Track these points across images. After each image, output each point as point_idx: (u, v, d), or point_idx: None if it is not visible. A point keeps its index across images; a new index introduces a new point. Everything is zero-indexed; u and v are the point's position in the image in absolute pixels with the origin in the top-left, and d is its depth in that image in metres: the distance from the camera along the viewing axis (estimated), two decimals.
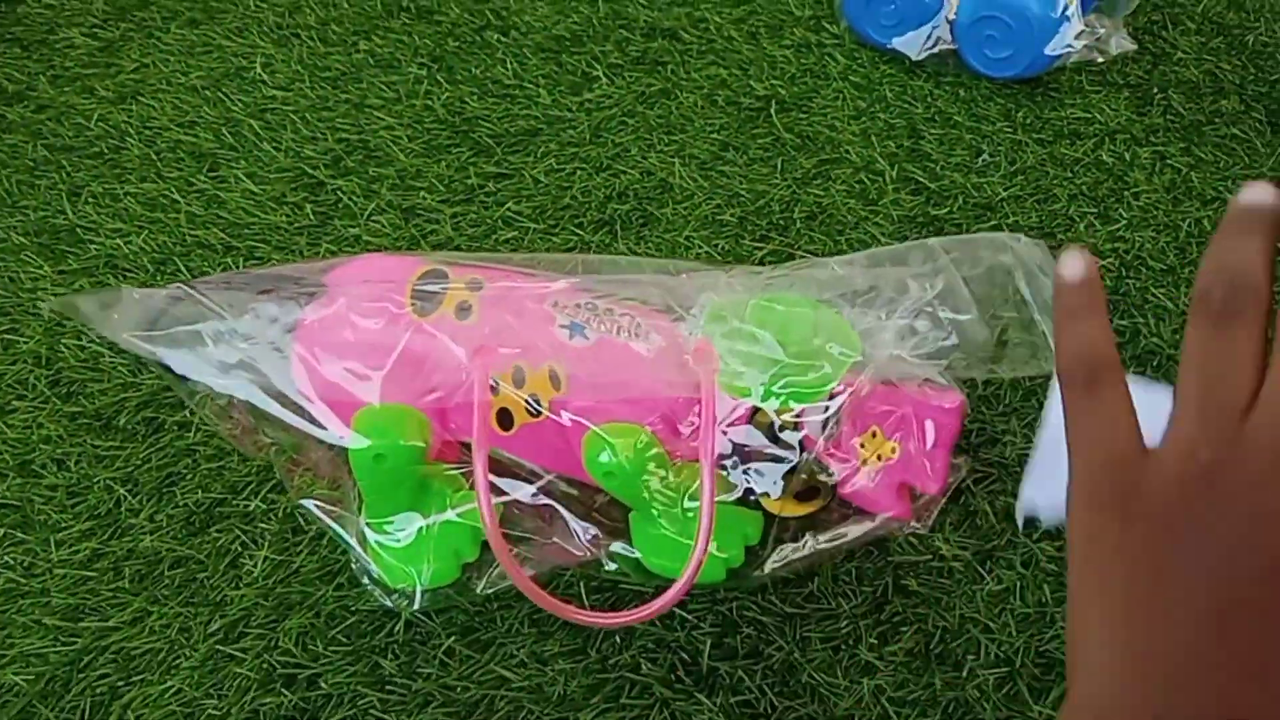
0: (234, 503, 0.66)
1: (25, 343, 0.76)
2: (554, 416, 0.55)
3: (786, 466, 0.56)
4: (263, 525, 0.65)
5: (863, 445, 0.59)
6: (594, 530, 0.58)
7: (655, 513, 0.56)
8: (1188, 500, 0.25)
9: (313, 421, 0.55)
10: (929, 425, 0.59)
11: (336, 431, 0.55)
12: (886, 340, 0.57)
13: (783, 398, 0.55)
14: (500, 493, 0.58)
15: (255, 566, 0.63)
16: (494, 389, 0.55)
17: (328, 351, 0.55)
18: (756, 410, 0.55)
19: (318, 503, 0.58)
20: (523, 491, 0.58)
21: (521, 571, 0.53)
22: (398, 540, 0.58)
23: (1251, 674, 0.22)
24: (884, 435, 0.59)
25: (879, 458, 0.59)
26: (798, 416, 0.55)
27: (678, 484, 0.56)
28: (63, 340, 0.76)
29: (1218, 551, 0.24)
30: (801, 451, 0.56)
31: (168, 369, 0.54)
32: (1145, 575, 0.25)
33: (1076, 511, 0.27)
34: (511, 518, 0.59)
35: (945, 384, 0.59)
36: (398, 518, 0.58)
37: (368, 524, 0.58)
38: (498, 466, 0.59)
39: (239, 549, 0.64)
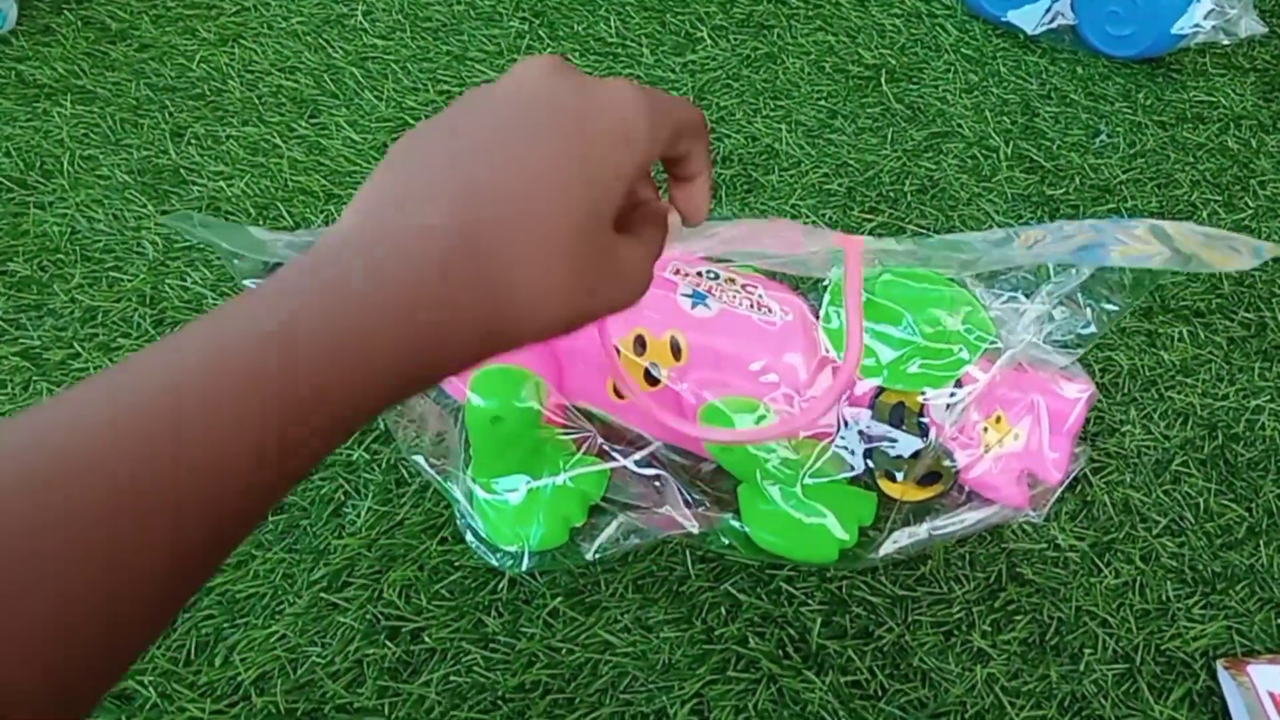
0: (338, 451, 0.66)
1: (130, 280, 0.77)
2: (675, 386, 0.54)
3: (910, 451, 0.54)
4: (366, 475, 0.64)
5: (986, 430, 0.57)
6: (703, 502, 0.57)
7: (769, 488, 0.55)
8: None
9: None
10: (1055, 413, 0.57)
11: (453, 392, 0.54)
12: (1022, 325, 0.55)
13: (911, 380, 0.53)
14: (610, 458, 0.57)
15: (359, 516, 0.63)
16: (617, 352, 0.54)
17: None
18: (882, 390, 0.54)
19: (426, 458, 0.58)
20: (632, 457, 0.57)
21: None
22: (506, 500, 0.57)
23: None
24: (1009, 421, 0.57)
25: (1001, 444, 0.57)
26: (925, 399, 0.54)
27: (797, 460, 0.54)
28: (167, 280, 0.76)
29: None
30: (926, 436, 0.54)
31: None
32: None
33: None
34: (620, 484, 0.58)
35: (1075, 371, 0.57)
36: (506, 478, 0.57)
37: (475, 481, 0.57)
38: (607, 432, 0.58)
39: (342, 498, 0.64)
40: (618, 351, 0.54)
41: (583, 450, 0.57)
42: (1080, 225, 0.39)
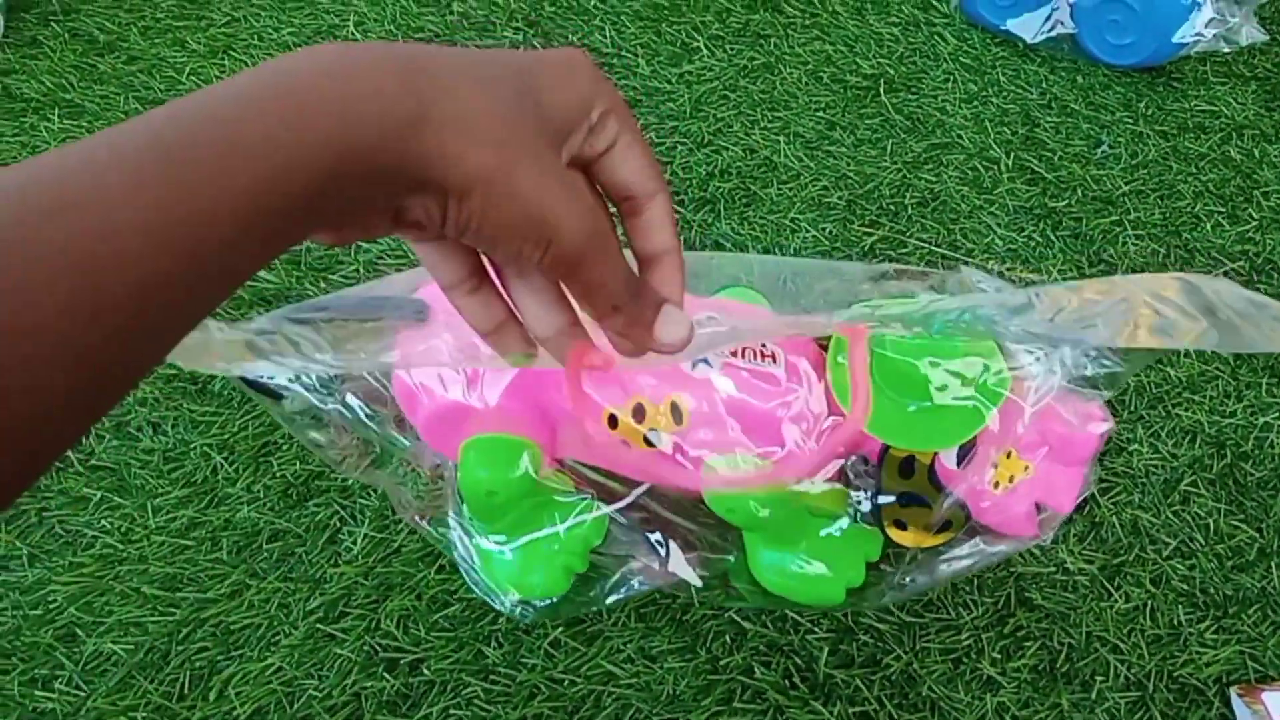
0: (332, 476, 0.65)
1: None
2: (676, 452, 0.53)
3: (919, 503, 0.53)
4: (362, 501, 0.63)
5: (996, 466, 0.56)
6: (704, 546, 0.56)
7: (772, 537, 0.54)
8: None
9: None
10: (1071, 444, 0.56)
11: (447, 454, 0.53)
12: (1049, 371, 0.54)
13: (925, 441, 0.52)
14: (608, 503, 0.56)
15: (355, 544, 0.61)
16: (613, 423, 0.52)
17: (431, 374, 0.52)
18: (887, 447, 0.52)
19: (417, 512, 0.56)
20: (632, 495, 0.56)
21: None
22: (503, 552, 0.56)
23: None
24: (1019, 456, 0.56)
25: (1012, 478, 0.56)
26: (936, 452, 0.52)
27: (799, 508, 0.53)
28: None
29: None
30: (938, 489, 0.53)
31: (260, 388, 0.51)
32: None
33: None
34: (621, 539, 0.56)
35: (1091, 397, 0.56)
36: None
37: (472, 524, 0.56)
38: (605, 489, 0.57)
39: (338, 524, 0.63)
40: (614, 421, 0.52)
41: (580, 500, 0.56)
42: (1110, 283, 0.38)
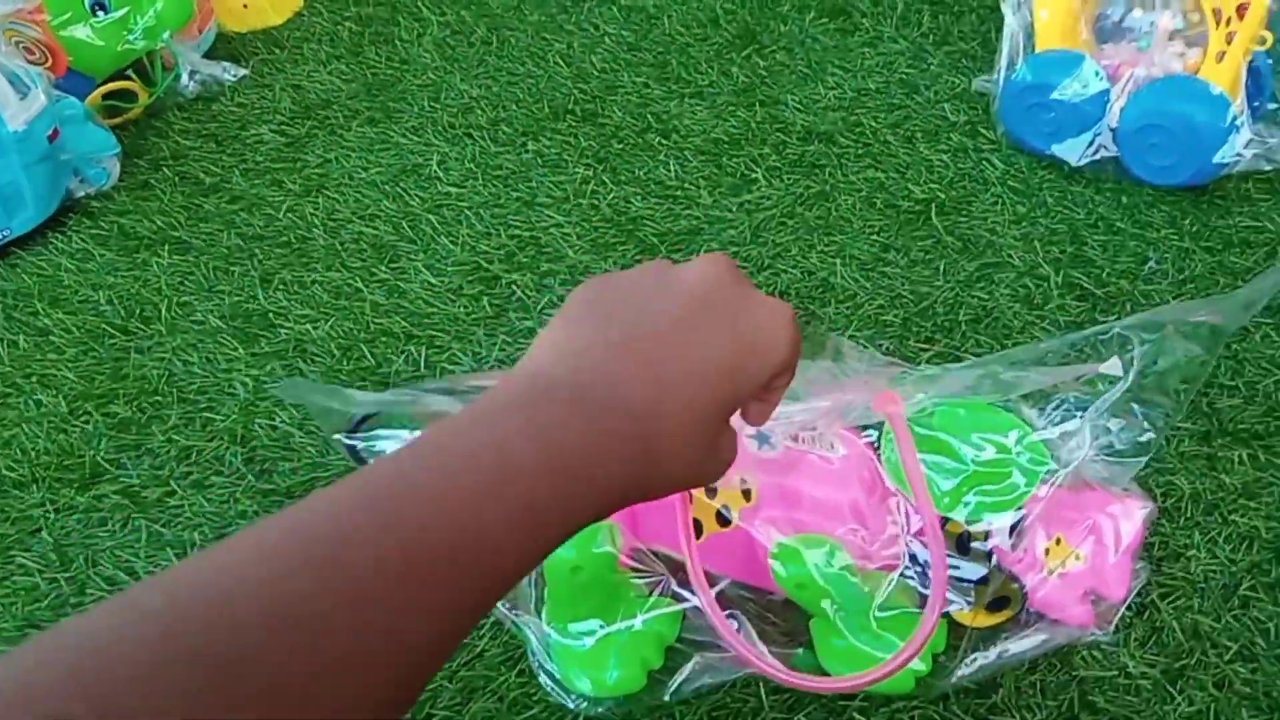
0: None
1: (222, 420, 0.81)
2: (746, 526, 0.56)
3: (977, 578, 0.56)
4: None
5: (1048, 553, 0.58)
6: (775, 638, 0.59)
7: (840, 623, 0.57)
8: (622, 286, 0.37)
9: None
10: (1114, 531, 0.59)
11: None
12: (1079, 443, 0.57)
13: (972, 508, 0.55)
14: (682, 599, 0.59)
15: None
16: (689, 497, 0.56)
17: None
18: (946, 521, 0.56)
19: (502, 605, 0.60)
20: (702, 597, 0.59)
21: (742, 641, 0.53)
22: (582, 644, 0.59)
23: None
24: (1069, 542, 0.59)
25: (1064, 565, 0.59)
26: (988, 526, 0.55)
27: (868, 594, 0.56)
28: (257, 420, 0.81)
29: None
30: (992, 561, 0.56)
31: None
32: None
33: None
34: (695, 624, 0.59)
35: (1132, 489, 0.59)
36: (581, 623, 0.59)
37: (550, 625, 0.59)
38: (680, 574, 0.60)
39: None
40: (690, 497, 0.56)
41: (657, 592, 0.59)
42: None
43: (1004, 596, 0.57)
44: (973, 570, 0.56)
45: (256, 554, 0.26)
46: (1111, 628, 0.60)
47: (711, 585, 0.60)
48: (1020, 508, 0.55)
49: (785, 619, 0.60)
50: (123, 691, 0.22)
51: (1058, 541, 0.59)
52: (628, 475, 0.33)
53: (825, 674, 0.57)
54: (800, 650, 0.58)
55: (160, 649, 0.23)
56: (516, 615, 0.60)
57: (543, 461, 0.30)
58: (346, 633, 0.25)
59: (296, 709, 0.23)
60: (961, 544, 0.56)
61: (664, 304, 0.36)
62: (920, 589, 0.56)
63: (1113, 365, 0.55)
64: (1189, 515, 0.68)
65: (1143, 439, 0.57)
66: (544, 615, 0.60)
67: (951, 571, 0.56)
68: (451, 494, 0.28)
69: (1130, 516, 0.59)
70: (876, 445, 0.60)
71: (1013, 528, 0.56)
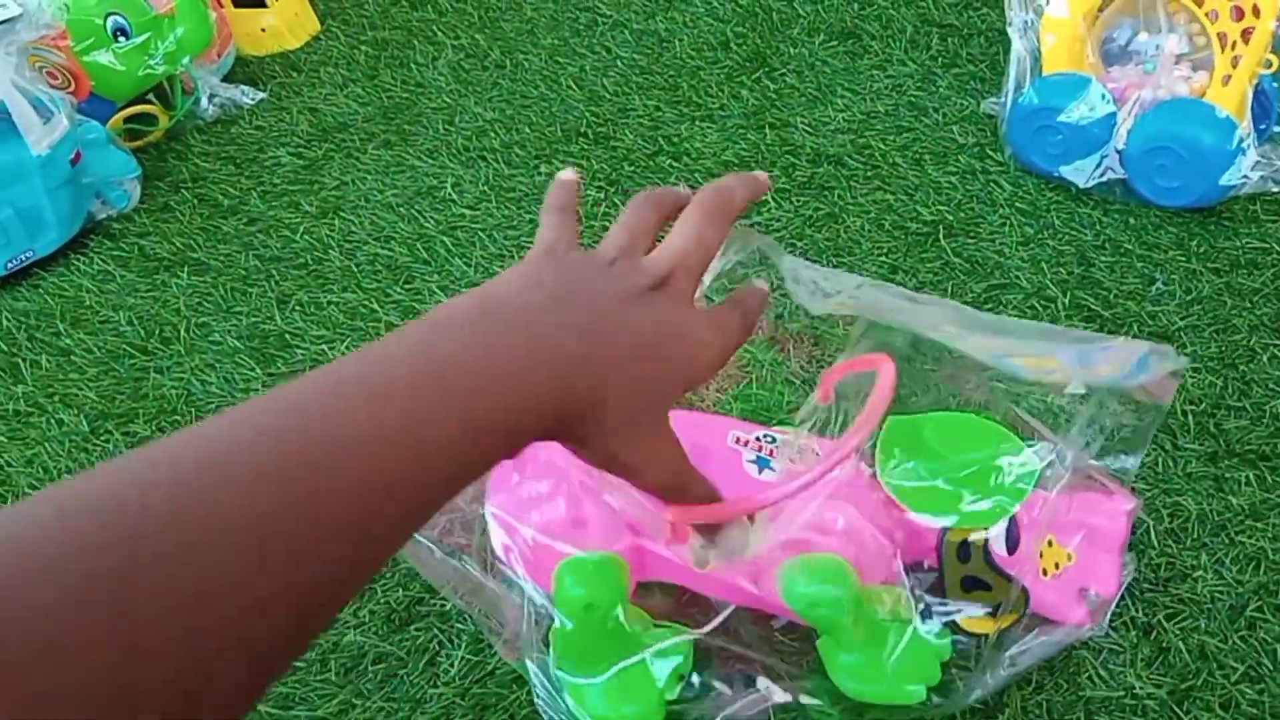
0: (431, 601, 0.69)
1: None
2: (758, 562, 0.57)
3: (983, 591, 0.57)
4: (459, 625, 0.68)
5: (1040, 555, 0.59)
6: (783, 672, 0.60)
7: (846, 638, 0.57)
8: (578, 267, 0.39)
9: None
10: (1103, 530, 0.60)
11: (540, 584, 0.58)
12: (1072, 437, 0.58)
13: (976, 518, 0.56)
14: (691, 629, 0.60)
15: (452, 666, 0.66)
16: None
17: (520, 509, 0.58)
18: (945, 531, 0.57)
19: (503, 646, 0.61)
20: (710, 625, 0.60)
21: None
22: (596, 680, 0.59)
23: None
24: (1059, 544, 0.60)
25: (1057, 565, 0.60)
26: (987, 535, 0.56)
27: (872, 608, 0.57)
28: None
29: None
30: (995, 571, 0.57)
31: None
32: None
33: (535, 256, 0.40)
34: (709, 663, 0.60)
35: (1115, 486, 0.60)
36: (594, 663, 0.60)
37: (560, 668, 0.60)
38: (691, 599, 0.61)
39: (436, 648, 0.67)
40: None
41: (664, 623, 0.60)
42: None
43: (1005, 601, 0.58)
44: (976, 578, 0.57)
45: (166, 459, 0.25)
46: (1106, 623, 0.61)
47: (716, 613, 0.61)
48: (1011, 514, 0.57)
49: (791, 640, 0.61)
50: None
51: (1049, 544, 0.60)
52: (561, 394, 0.34)
53: (840, 697, 0.58)
54: (810, 683, 0.59)
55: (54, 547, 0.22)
56: (520, 659, 0.61)
57: (484, 366, 0.32)
58: (253, 545, 0.24)
59: (188, 622, 0.23)
60: (962, 552, 0.56)
61: (614, 284, 0.39)
62: (923, 598, 0.57)
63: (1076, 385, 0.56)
64: (1196, 536, 0.69)
65: (1128, 464, 0.59)
66: (552, 656, 0.60)
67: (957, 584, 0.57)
68: (389, 404, 0.29)
69: (1116, 512, 0.61)
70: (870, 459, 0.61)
71: (1010, 543, 0.58)
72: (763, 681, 0.59)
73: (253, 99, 1.24)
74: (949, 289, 0.89)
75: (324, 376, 0.29)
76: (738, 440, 0.61)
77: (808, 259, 0.93)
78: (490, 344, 0.33)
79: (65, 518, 0.23)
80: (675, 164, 1.06)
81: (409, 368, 0.31)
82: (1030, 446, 0.58)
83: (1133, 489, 0.64)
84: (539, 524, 0.58)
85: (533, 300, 0.36)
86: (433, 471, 0.29)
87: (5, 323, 0.97)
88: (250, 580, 0.24)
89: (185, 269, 1.01)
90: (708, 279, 0.55)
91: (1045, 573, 0.59)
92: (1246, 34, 0.89)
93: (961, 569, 0.57)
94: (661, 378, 0.38)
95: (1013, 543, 0.56)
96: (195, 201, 1.10)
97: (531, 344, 0.34)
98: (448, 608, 0.69)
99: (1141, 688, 0.61)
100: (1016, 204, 0.98)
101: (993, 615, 0.58)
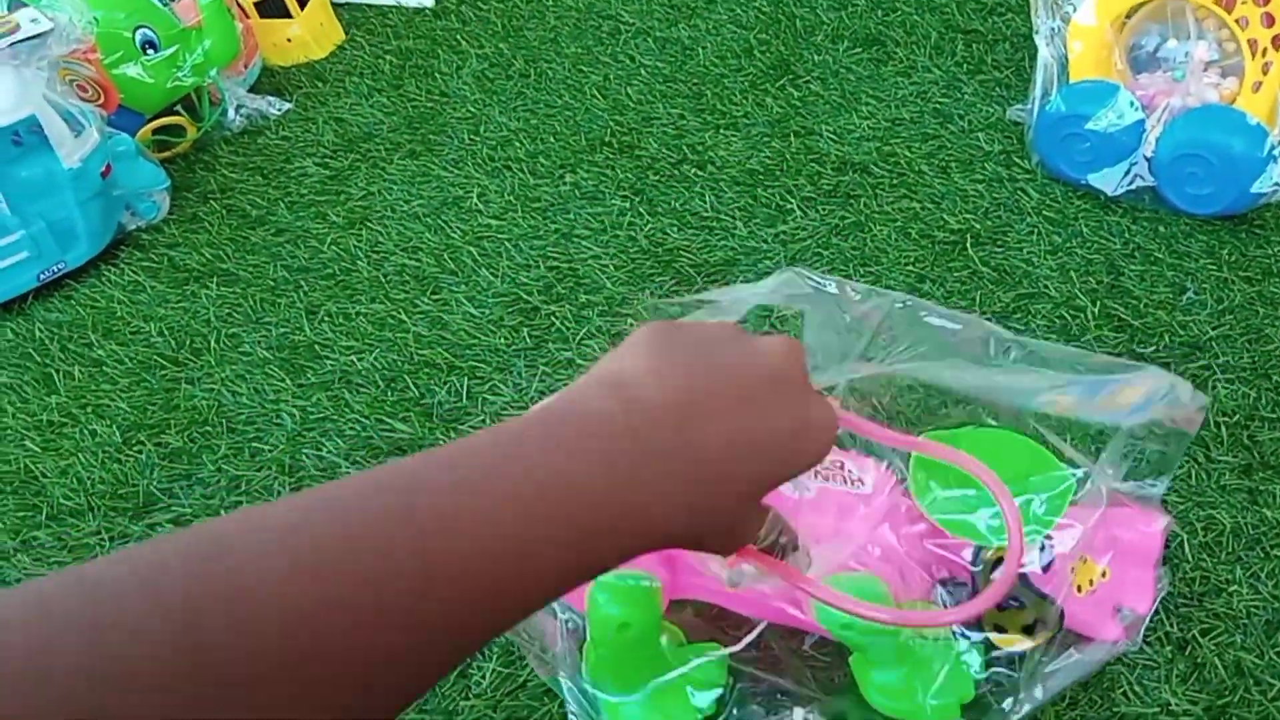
0: None
1: (270, 450, 0.83)
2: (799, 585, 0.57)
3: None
4: None
5: (1073, 571, 0.59)
6: (817, 694, 0.60)
7: (879, 655, 0.57)
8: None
9: None
10: (1136, 547, 0.60)
11: (573, 602, 0.58)
12: (1105, 459, 0.58)
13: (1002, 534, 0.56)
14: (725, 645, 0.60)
15: (484, 678, 0.66)
16: None
17: None
18: (979, 550, 0.57)
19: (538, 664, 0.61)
20: (743, 641, 0.60)
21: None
22: (632, 698, 0.60)
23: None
24: (1094, 561, 0.60)
25: (1091, 582, 0.60)
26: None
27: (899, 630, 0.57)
28: (303, 450, 0.82)
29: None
30: (1029, 589, 0.56)
31: None
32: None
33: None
34: (744, 685, 0.60)
35: (1148, 504, 0.60)
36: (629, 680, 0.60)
37: (594, 685, 0.60)
38: (721, 615, 0.62)
39: (468, 660, 0.67)
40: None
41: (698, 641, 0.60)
42: None
43: (1041, 619, 0.58)
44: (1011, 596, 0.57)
45: (279, 547, 0.25)
46: (1140, 638, 0.61)
47: (749, 630, 0.61)
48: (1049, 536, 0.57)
49: (823, 656, 0.61)
50: (135, 701, 0.22)
51: (1083, 560, 0.60)
52: (674, 520, 0.33)
53: (873, 715, 0.58)
54: (844, 703, 0.59)
55: (181, 662, 0.23)
56: (554, 675, 0.61)
57: (605, 488, 0.30)
58: (362, 646, 0.25)
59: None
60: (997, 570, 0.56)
61: (742, 369, 0.36)
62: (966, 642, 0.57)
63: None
64: (1230, 550, 0.68)
65: (1154, 489, 0.59)
66: (586, 673, 0.60)
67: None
68: (504, 508, 0.28)
69: (1149, 529, 0.61)
70: (902, 477, 0.61)
71: (1044, 562, 0.58)
72: (799, 712, 0.60)
73: (279, 109, 1.25)
74: (977, 298, 0.88)
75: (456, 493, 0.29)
76: None
77: (840, 269, 0.93)
78: (610, 463, 0.31)
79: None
80: (700, 173, 1.06)
81: (554, 499, 0.30)
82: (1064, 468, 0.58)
83: (1164, 503, 0.63)
84: None
85: (651, 402, 0.34)
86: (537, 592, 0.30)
87: (39, 333, 0.98)
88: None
89: (214, 280, 1.02)
90: (744, 309, 0.55)
91: (1079, 589, 0.59)
92: (1277, 40, 0.88)
93: None
94: (775, 474, 0.36)
95: (1047, 560, 0.56)
96: (224, 212, 1.11)
97: (649, 469, 0.32)
98: None
99: (1177, 704, 0.61)
100: (1044, 212, 0.97)
101: (1028, 633, 0.57)
